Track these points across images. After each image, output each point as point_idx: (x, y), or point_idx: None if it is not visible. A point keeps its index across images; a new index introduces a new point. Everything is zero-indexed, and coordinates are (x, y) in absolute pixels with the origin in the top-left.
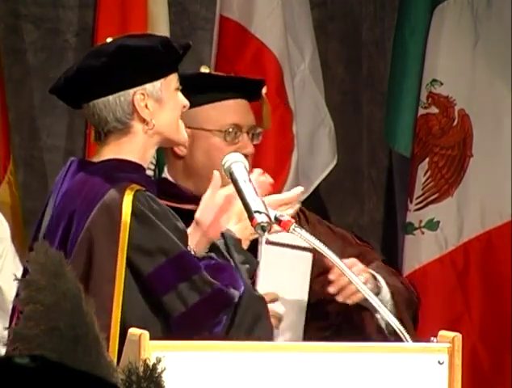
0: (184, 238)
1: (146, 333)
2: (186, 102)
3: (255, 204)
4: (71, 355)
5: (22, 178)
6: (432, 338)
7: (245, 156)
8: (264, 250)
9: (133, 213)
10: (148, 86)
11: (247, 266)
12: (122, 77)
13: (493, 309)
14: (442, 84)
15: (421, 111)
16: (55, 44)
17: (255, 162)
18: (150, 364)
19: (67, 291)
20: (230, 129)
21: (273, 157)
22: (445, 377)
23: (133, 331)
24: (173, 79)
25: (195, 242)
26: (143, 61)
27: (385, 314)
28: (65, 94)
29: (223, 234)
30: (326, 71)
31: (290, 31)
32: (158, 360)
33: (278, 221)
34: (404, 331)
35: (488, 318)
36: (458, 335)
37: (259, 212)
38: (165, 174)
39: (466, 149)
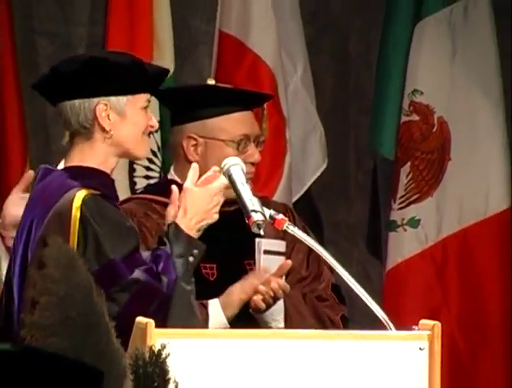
0: (131, 236)
1: (152, 321)
2: (154, 123)
3: (251, 203)
4: (83, 341)
5: None
6: (414, 326)
7: (252, 164)
8: (262, 258)
9: (80, 220)
10: (113, 99)
11: (191, 257)
12: (88, 85)
13: (469, 300)
14: (422, 93)
15: (404, 119)
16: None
17: None
18: (155, 350)
19: (79, 283)
20: (241, 139)
21: (268, 160)
22: (425, 362)
23: (140, 319)
24: (141, 98)
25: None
26: (110, 75)
27: (371, 305)
28: (41, 91)
29: (168, 226)
30: (317, 82)
31: (283, 46)
32: (163, 347)
33: (272, 219)
34: (388, 321)
35: (464, 307)
36: (437, 324)
37: (255, 211)
38: (172, 175)
39: (444, 154)
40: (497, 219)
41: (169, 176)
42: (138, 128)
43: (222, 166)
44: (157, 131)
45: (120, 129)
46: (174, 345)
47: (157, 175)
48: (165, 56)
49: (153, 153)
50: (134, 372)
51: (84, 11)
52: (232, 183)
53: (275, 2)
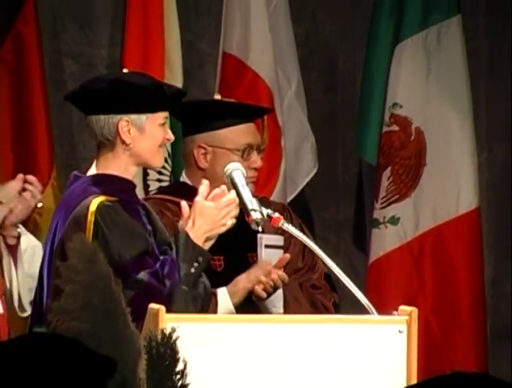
0: (140, 240)
1: (163, 308)
2: (170, 136)
3: (251, 203)
4: (102, 325)
5: (62, 182)
6: (394, 311)
7: (255, 169)
8: (263, 252)
9: (94, 224)
10: (134, 116)
11: (195, 263)
12: (113, 103)
13: (442, 288)
14: (401, 107)
15: (385, 129)
16: (90, 75)
17: None
18: (167, 332)
19: (100, 273)
20: (245, 148)
21: (266, 165)
22: (404, 343)
23: (153, 306)
24: (160, 116)
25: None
26: (133, 95)
27: (356, 293)
28: (72, 103)
29: (179, 234)
30: (308, 96)
31: (279, 65)
32: (173, 330)
33: (269, 217)
34: (371, 307)
35: (438, 295)
36: (414, 310)
37: (254, 211)
38: (184, 179)
39: (421, 160)
40: (467, 217)
41: (181, 179)
42: (155, 142)
43: (225, 170)
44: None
45: (139, 143)
46: (184, 328)
47: (167, 178)
48: (175, 75)
49: (165, 159)
50: (148, 352)
51: (104, 35)
52: (233, 186)
53: (272, 27)
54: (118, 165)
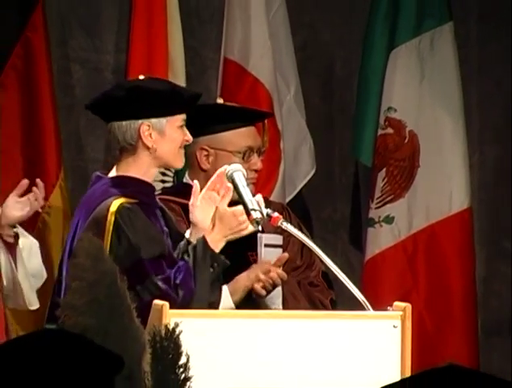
0: (158, 243)
1: (167, 304)
2: (188, 137)
3: (251, 203)
4: (108, 320)
5: (70, 184)
6: (388, 307)
7: (255, 171)
8: (263, 250)
9: (114, 224)
10: (154, 121)
11: (211, 268)
12: (133, 109)
13: (435, 285)
14: (396, 110)
15: (380, 132)
16: (96, 80)
17: None
18: (170, 327)
19: (106, 270)
20: (246, 151)
21: (265, 166)
22: (398, 338)
23: (157, 302)
24: (178, 119)
25: (210, 240)
26: (151, 100)
27: (353, 290)
28: (94, 111)
29: (197, 241)
30: (307, 101)
31: (278, 70)
32: (176, 325)
33: (269, 216)
34: (367, 302)
35: (431, 292)
36: (408, 305)
37: (254, 210)
38: (187, 179)
39: (414, 161)
40: (459, 216)
41: (185, 180)
42: (175, 144)
43: (226, 171)
44: None
45: (161, 145)
46: (186, 323)
47: (170, 179)
48: (178, 80)
49: None
50: (152, 346)
51: (110, 41)
52: (234, 186)
53: (272, 34)
54: (138, 168)
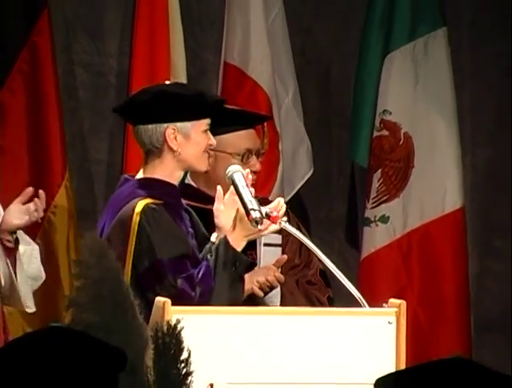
0: (181, 243)
1: (169, 301)
2: (213, 142)
3: (251, 203)
4: (112, 316)
5: (75, 184)
6: (384, 304)
7: (254, 172)
8: (262, 249)
9: (138, 224)
10: (179, 124)
11: (233, 267)
12: (159, 113)
13: (429, 283)
14: (391, 113)
15: (376, 134)
16: (100, 83)
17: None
18: (172, 324)
19: (109, 268)
20: (245, 153)
21: (264, 167)
22: (393, 334)
23: (159, 299)
24: (203, 123)
25: (231, 240)
26: (177, 105)
27: (349, 287)
28: (121, 114)
29: (219, 241)
30: (304, 103)
31: (277, 73)
32: (178, 321)
33: (268, 216)
34: (363, 299)
35: (425, 289)
36: (403, 302)
37: (254, 210)
38: (189, 181)
39: (409, 162)
40: (452, 216)
41: (186, 181)
42: (200, 148)
43: (226, 172)
44: None
45: (185, 149)
46: (188, 320)
47: None
48: None
49: None
50: (154, 342)
51: (113, 45)
52: (234, 187)
53: (271, 39)
54: (164, 170)
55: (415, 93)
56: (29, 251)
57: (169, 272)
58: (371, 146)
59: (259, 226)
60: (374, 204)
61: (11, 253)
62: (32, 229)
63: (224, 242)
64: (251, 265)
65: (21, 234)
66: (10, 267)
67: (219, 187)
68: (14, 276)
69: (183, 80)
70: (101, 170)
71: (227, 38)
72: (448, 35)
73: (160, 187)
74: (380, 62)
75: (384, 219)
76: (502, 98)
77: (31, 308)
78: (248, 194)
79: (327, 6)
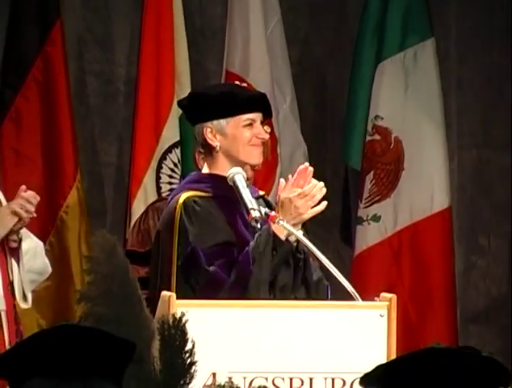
0: (217, 233)
1: (173, 294)
2: (261, 134)
3: (251, 203)
4: (121, 310)
5: (86, 185)
6: (376, 298)
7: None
8: None
9: (180, 215)
10: (215, 123)
11: (273, 251)
12: (196, 114)
13: (418, 278)
14: (382, 119)
15: (368, 138)
16: (109, 91)
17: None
18: (177, 317)
19: (118, 264)
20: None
21: (263, 170)
22: (385, 326)
23: (164, 293)
24: (241, 118)
25: (275, 227)
26: (208, 104)
27: (343, 282)
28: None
29: (262, 229)
30: (301, 109)
31: (275, 81)
32: (183, 314)
33: (267, 215)
34: (356, 294)
35: (415, 284)
36: (394, 296)
37: (254, 209)
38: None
39: (399, 165)
40: (440, 215)
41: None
42: (239, 142)
43: (227, 174)
44: (177, 147)
45: (225, 145)
46: (192, 313)
47: (177, 181)
48: (183, 90)
49: (174, 164)
50: (160, 334)
51: (122, 55)
52: (235, 187)
53: (269, 48)
54: (216, 166)
55: (405, 100)
56: (33, 248)
57: (204, 259)
58: (363, 150)
59: (258, 225)
60: (366, 204)
61: (15, 253)
62: (46, 228)
63: (267, 228)
64: (293, 250)
65: (25, 233)
66: (15, 266)
67: (282, 180)
68: (12, 275)
69: (188, 88)
70: (110, 172)
71: (228, 47)
72: (436, 46)
73: (210, 181)
74: (372, 71)
75: (376, 218)
76: (486, 104)
77: (27, 304)
78: (248, 194)
79: (322, 18)
